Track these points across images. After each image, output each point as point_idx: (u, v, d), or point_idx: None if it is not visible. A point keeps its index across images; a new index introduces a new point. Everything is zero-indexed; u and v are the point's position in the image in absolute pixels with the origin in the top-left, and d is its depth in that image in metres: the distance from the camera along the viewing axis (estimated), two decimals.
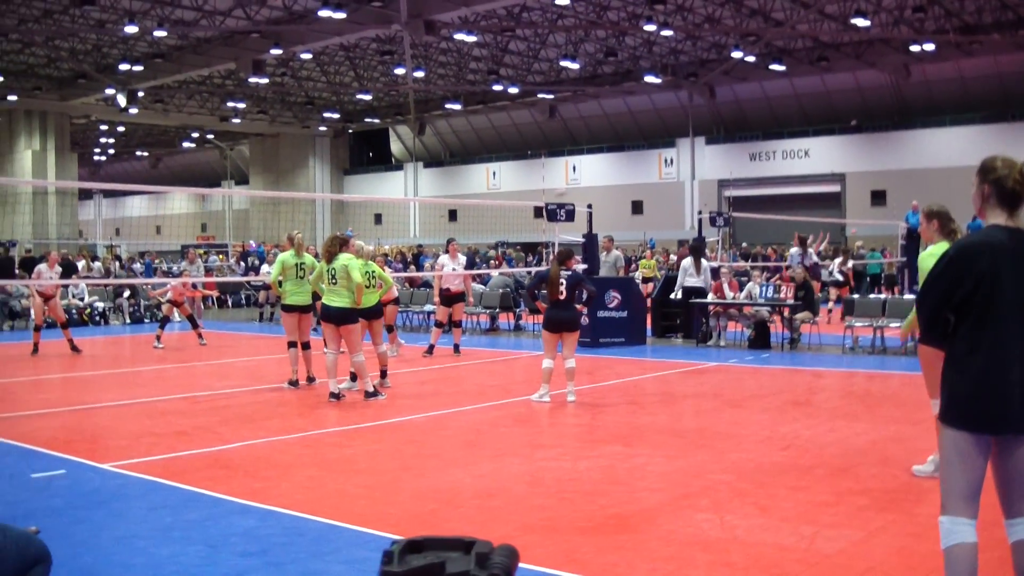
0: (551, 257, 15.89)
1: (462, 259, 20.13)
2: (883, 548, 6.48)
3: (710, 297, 20.56)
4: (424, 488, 8.28)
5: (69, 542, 6.60)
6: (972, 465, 4.57)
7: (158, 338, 20.91)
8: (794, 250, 24.11)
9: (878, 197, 48.78)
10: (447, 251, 19.62)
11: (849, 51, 46.44)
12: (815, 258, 25.21)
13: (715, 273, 21.57)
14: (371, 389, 13.23)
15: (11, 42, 46.61)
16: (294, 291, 14.60)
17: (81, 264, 35.00)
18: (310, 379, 14.75)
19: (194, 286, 23.15)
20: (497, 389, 14.44)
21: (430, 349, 18.76)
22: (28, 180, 56.33)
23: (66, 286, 27.16)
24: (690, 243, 23.60)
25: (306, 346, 14.77)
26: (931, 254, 7.95)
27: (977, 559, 4.54)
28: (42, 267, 21.12)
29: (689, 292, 21.00)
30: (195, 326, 21.70)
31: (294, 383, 14.44)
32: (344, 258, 13.19)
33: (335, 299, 13.12)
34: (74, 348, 19.81)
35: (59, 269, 21.07)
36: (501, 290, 24.68)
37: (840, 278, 27.43)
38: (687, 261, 21.47)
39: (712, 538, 6.74)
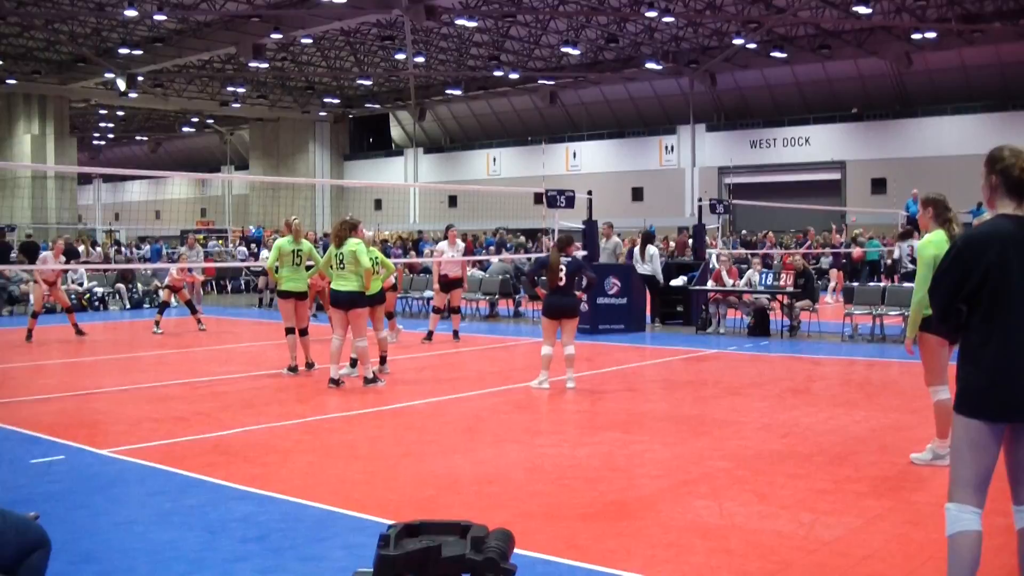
0: (551, 243, 15.84)
1: (461, 245, 20.16)
2: (882, 535, 6.49)
3: (709, 284, 20.58)
4: (424, 474, 8.29)
5: (68, 527, 6.62)
6: (984, 454, 4.58)
7: (157, 324, 20.90)
8: (905, 244, 23.66)
9: (878, 185, 48.68)
10: (446, 237, 19.65)
11: (850, 39, 46.34)
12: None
13: (685, 259, 21.70)
14: (371, 375, 13.23)
15: (10, 25, 46.45)
16: (290, 277, 14.58)
17: (81, 249, 34.97)
18: (309, 365, 14.76)
19: (189, 271, 23.07)
20: (496, 376, 14.45)
21: (429, 335, 18.78)
22: (27, 164, 56.15)
23: (65, 271, 27.15)
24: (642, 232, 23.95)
25: (304, 332, 14.76)
26: (929, 241, 8.07)
27: (980, 548, 4.56)
28: (47, 255, 21.13)
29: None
30: (194, 312, 21.71)
31: (293, 369, 14.44)
32: (353, 243, 13.11)
33: (343, 283, 13.08)
34: (79, 332, 19.84)
35: (63, 257, 21.04)
36: (500, 276, 24.67)
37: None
38: (636, 250, 21.93)
39: (711, 525, 6.75)
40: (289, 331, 14.59)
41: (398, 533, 2.90)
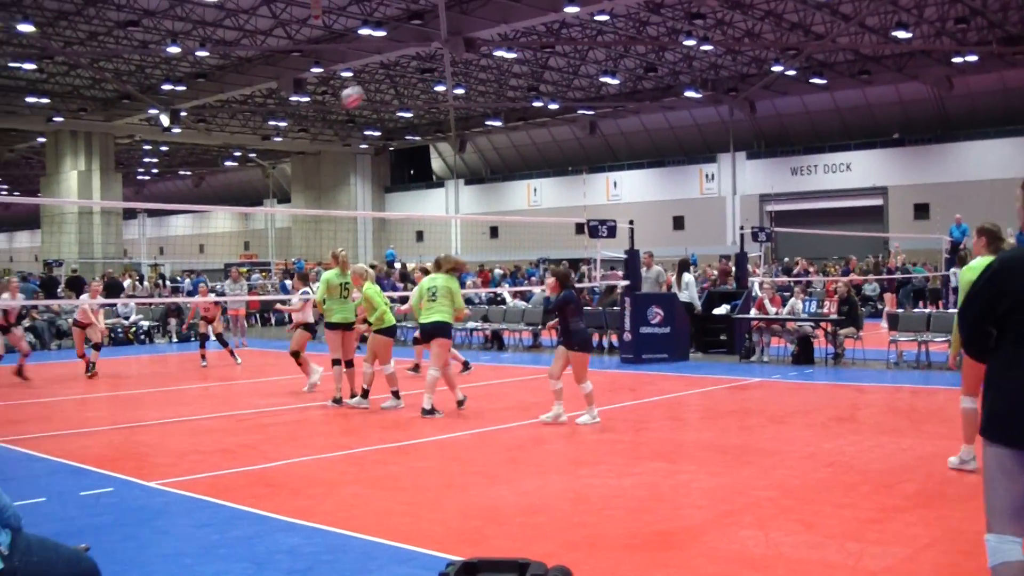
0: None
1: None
2: (930, 565, 6.43)
3: (752, 312, 20.50)
4: (468, 505, 8.29)
5: (117, 559, 6.67)
6: (1015, 481, 4.48)
7: (203, 356, 21.05)
8: (954, 270, 23.72)
9: (921, 210, 48.34)
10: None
11: (890, 64, 46.19)
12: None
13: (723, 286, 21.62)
14: (429, 407, 13.26)
15: (57, 64, 47.19)
16: (339, 309, 14.69)
17: (127, 283, 35.30)
18: (353, 396, 14.82)
19: (216, 302, 22.96)
20: (540, 406, 14.38)
21: (415, 367, 18.69)
22: (74, 200, 56.93)
23: (112, 304, 27.41)
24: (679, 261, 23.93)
25: (349, 364, 14.85)
26: (971, 268, 8.32)
27: None
28: (84, 297, 20.76)
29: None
30: (224, 345, 21.79)
31: (338, 401, 14.49)
32: (445, 278, 13.78)
33: (429, 315, 13.64)
34: (90, 368, 19.32)
35: (100, 299, 20.46)
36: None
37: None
38: (673, 278, 22.06)
39: (757, 555, 6.71)
40: (335, 362, 14.68)
41: (457, 571, 2.91)
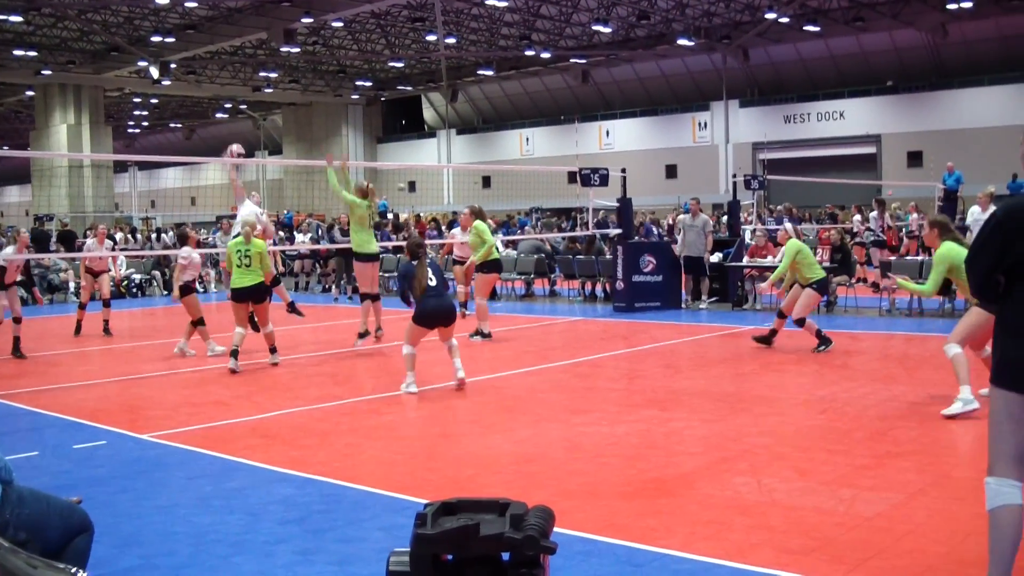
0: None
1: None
2: (923, 510, 6.45)
3: (745, 260, 20.46)
4: (462, 454, 8.31)
5: (111, 511, 6.68)
6: (1022, 427, 4.50)
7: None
8: (873, 214, 23.65)
9: (915, 158, 48.18)
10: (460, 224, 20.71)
11: (885, 10, 45.86)
12: (890, 222, 25.04)
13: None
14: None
15: (44, 16, 46.78)
16: (369, 240, 14.72)
17: (119, 236, 35.17)
18: (377, 330, 15.25)
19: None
20: (533, 355, 14.42)
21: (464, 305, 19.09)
22: (64, 153, 56.58)
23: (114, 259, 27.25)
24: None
25: (376, 297, 15.11)
26: (942, 255, 9.53)
27: (1022, 521, 4.49)
28: (90, 243, 20.35)
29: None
30: None
31: (363, 335, 14.64)
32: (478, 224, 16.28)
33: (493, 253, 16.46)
34: (107, 331, 18.44)
35: (109, 244, 19.96)
36: (536, 256, 24.57)
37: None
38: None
39: (751, 502, 6.73)
40: (365, 297, 14.71)
41: (435, 511, 2.87)
